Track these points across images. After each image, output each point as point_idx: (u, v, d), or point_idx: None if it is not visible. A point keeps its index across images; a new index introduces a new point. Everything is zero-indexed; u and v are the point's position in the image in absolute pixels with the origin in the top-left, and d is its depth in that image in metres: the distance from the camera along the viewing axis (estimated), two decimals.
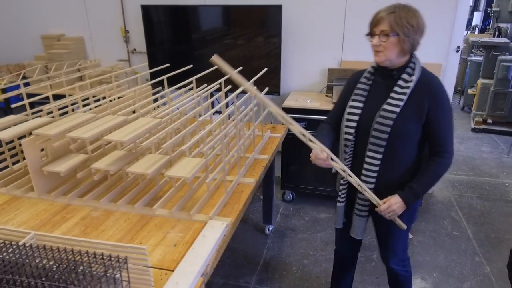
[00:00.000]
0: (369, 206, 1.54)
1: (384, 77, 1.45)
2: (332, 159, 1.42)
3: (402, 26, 1.31)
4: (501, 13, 4.44)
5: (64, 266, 0.75)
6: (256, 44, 2.85)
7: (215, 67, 2.24)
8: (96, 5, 3.30)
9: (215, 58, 1.41)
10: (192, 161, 1.47)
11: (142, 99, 2.01)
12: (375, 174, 1.47)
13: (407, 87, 1.37)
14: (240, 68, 2.17)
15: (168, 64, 2.29)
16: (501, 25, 5.13)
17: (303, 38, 2.97)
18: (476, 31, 6.55)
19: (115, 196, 1.56)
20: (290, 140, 2.83)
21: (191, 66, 2.23)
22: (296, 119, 2.79)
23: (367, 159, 1.46)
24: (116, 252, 1.00)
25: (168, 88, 1.99)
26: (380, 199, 1.47)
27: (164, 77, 2.04)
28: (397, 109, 1.37)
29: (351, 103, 1.49)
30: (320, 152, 1.42)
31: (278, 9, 2.66)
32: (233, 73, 1.37)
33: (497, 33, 5.16)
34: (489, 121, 4.62)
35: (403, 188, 1.47)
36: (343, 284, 1.93)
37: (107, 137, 1.43)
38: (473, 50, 5.34)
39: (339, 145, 1.57)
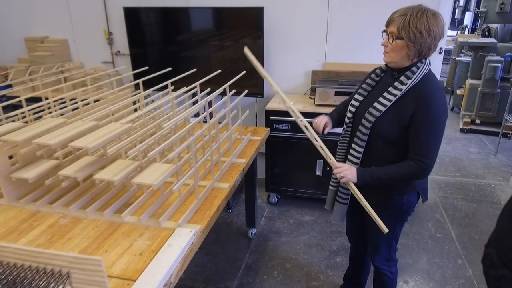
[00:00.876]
0: (351, 196, 1.60)
1: (388, 76, 1.49)
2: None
3: (409, 31, 1.30)
4: (488, 14, 4.45)
5: (4, 282, 0.73)
6: (239, 46, 2.83)
7: (194, 69, 2.24)
8: (79, 7, 3.27)
9: (246, 50, 1.67)
10: (161, 167, 1.45)
11: (120, 102, 1.99)
12: (355, 165, 1.53)
13: (400, 90, 1.37)
14: (219, 71, 2.15)
15: (147, 67, 2.27)
16: (491, 25, 5.14)
17: (287, 40, 2.95)
18: (467, 32, 6.56)
19: (84, 203, 1.54)
20: (275, 142, 2.83)
21: (169, 69, 2.20)
22: (279, 122, 2.81)
23: (351, 150, 1.54)
24: (73, 263, 0.98)
25: (146, 90, 1.96)
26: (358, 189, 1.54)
27: (140, 80, 2.01)
28: (383, 109, 1.40)
29: (355, 94, 1.58)
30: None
31: (260, 11, 2.64)
32: (260, 69, 1.67)
33: (486, 33, 5.17)
34: (477, 121, 4.63)
35: (379, 189, 1.52)
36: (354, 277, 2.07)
37: (73, 144, 1.41)
38: (462, 51, 5.35)
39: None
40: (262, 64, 2.80)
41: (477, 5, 6.51)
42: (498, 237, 1.14)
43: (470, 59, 4.79)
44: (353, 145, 1.51)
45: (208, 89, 2.15)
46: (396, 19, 1.33)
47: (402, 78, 1.39)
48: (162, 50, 3.01)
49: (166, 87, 2.02)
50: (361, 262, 2.00)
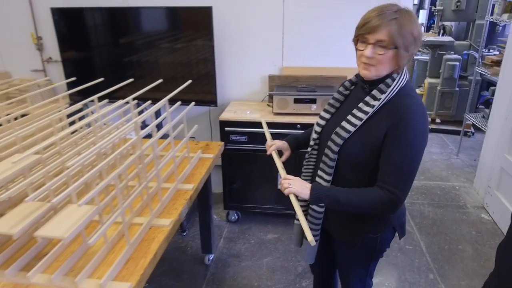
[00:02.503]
0: (322, 230, 1.36)
1: (359, 90, 1.26)
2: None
3: (405, 38, 1.06)
4: (445, 12, 4.43)
5: None
6: (187, 50, 2.54)
7: (131, 79, 1.92)
8: (1, 9, 2.83)
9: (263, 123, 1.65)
10: (78, 211, 1.15)
11: (39, 121, 1.64)
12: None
13: (372, 106, 1.14)
14: (160, 80, 1.86)
15: (74, 78, 1.93)
16: (445, 23, 5.16)
17: (241, 43, 2.70)
18: (423, 30, 6.61)
19: None
20: (232, 155, 2.56)
21: (102, 79, 1.88)
22: (235, 133, 2.55)
23: (317, 178, 1.28)
24: None
25: (80, 102, 1.63)
26: (328, 225, 1.33)
27: (65, 93, 1.67)
28: (352, 129, 1.16)
29: (321, 112, 1.35)
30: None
31: (208, 10, 2.36)
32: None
33: (441, 31, 5.19)
34: (438, 120, 4.61)
35: (351, 227, 1.29)
36: None
37: None
38: (420, 49, 5.33)
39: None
40: (213, 69, 2.53)
41: (432, 3, 6.58)
42: (502, 280, 0.97)
43: (428, 58, 4.77)
44: (320, 172, 1.26)
45: (149, 102, 1.85)
46: (385, 24, 1.06)
47: (375, 92, 1.15)
48: (100, 55, 2.66)
49: (106, 98, 1.70)
50: None
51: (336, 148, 1.19)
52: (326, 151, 1.22)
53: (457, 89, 4.34)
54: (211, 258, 2.40)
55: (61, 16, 2.56)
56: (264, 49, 2.69)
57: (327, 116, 1.32)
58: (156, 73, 2.62)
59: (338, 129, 1.19)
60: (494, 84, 3.43)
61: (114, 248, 1.27)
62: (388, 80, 1.14)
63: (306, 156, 1.38)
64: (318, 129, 1.32)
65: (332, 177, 1.24)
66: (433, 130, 4.54)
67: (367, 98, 1.16)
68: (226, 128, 2.50)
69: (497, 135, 2.88)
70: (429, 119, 4.59)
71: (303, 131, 1.60)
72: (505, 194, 2.74)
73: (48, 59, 2.89)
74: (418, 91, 4.92)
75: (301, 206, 1.36)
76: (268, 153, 1.47)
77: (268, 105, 2.68)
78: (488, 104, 4.13)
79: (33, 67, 2.92)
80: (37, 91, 1.76)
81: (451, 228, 2.74)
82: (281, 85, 2.68)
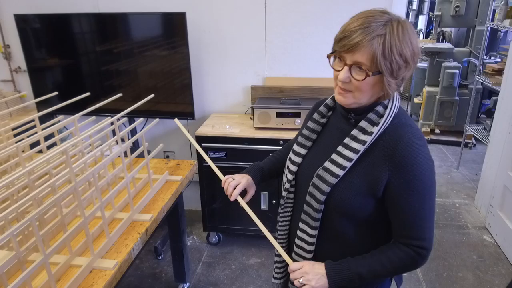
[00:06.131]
0: None
1: (339, 118, 1.00)
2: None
3: (390, 61, 0.82)
4: (444, 17, 4.23)
5: None
6: (162, 58, 2.34)
7: (87, 93, 1.72)
8: None
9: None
10: None
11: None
12: (308, 256, 1.02)
13: (362, 142, 0.90)
14: (120, 94, 1.66)
15: (25, 92, 1.73)
16: (445, 29, 4.97)
17: (221, 51, 2.50)
18: (421, 36, 6.43)
19: None
20: (210, 173, 2.36)
21: (56, 93, 1.68)
22: (213, 149, 2.34)
23: (298, 232, 1.02)
24: None
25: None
26: None
27: (19, 106, 1.47)
28: (341, 172, 0.91)
29: (294, 146, 1.08)
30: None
31: (181, 17, 2.17)
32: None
33: (440, 38, 4.99)
34: (437, 131, 4.40)
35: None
36: None
37: None
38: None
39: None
40: (189, 79, 2.33)
41: (431, 9, 6.39)
42: None
43: (426, 65, 4.57)
44: (302, 225, 1.00)
45: (109, 118, 1.65)
46: (367, 42, 0.80)
47: (364, 124, 0.91)
48: (68, 64, 2.46)
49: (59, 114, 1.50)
50: None
51: (322, 197, 0.93)
52: (309, 199, 0.97)
53: (457, 98, 4.13)
54: (186, 287, 2.18)
55: (26, 23, 2.37)
56: (246, 58, 2.49)
57: (303, 151, 1.05)
58: (130, 83, 2.43)
59: (321, 172, 0.94)
60: (496, 92, 3.22)
61: None
62: (379, 108, 0.90)
63: (282, 202, 1.10)
64: (293, 168, 1.05)
65: (318, 232, 0.99)
66: (432, 141, 4.33)
67: (355, 132, 0.92)
68: (204, 144, 2.30)
69: (499, 151, 2.66)
70: (428, 130, 4.38)
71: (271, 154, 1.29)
72: (509, 215, 2.51)
73: (17, 69, 2.70)
74: (416, 99, 4.71)
75: (282, 246, 1.14)
76: (232, 199, 1.12)
77: (251, 118, 2.48)
78: (490, 113, 3.92)
79: (1, 77, 2.73)
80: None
81: (450, 252, 2.51)
82: (264, 96, 2.48)
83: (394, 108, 0.91)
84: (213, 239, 2.62)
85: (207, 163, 1.22)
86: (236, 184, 1.12)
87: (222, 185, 1.16)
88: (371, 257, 0.94)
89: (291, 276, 0.98)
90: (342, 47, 0.85)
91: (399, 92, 0.96)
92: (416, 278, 2.28)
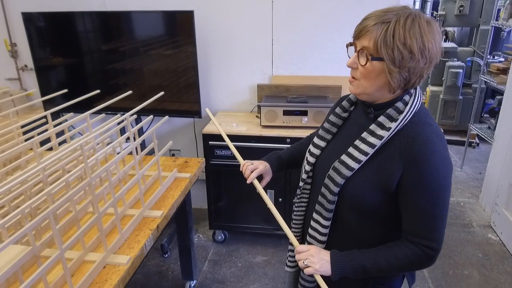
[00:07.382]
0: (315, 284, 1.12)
1: (360, 113, 1.03)
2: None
3: (392, 48, 0.83)
4: (447, 17, 4.23)
5: None
6: (170, 57, 2.34)
7: (97, 91, 1.73)
8: None
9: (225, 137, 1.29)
10: (11, 251, 0.95)
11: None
12: (320, 246, 1.03)
13: (380, 137, 0.90)
14: (130, 92, 1.67)
15: (33, 90, 1.74)
16: (448, 29, 4.97)
17: (228, 50, 2.51)
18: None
19: None
20: (217, 171, 2.37)
21: (65, 90, 1.69)
22: (220, 147, 2.35)
23: (312, 222, 1.05)
24: None
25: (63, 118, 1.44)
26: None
27: (26, 104, 1.48)
28: (356, 166, 0.93)
29: (314, 139, 1.11)
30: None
31: (189, 15, 2.18)
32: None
33: (444, 37, 4.99)
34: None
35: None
36: None
37: None
38: None
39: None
40: (197, 77, 2.33)
41: (434, 8, 6.39)
42: None
43: None
44: (315, 215, 1.03)
45: (118, 115, 1.66)
46: (371, 29, 0.85)
47: (383, 119, 0.92)
48: (76, 62, 2.47)
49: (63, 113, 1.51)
50: None
51: (335, 189, 0.95)
52: (323, 190, 0.99)
53: (460, 97, 4.14)
54: (193, 285, 2.19)
55: (34, 21, 2.38)
56: (253, 56, 2.50)
57: (322, 144, 1.08)
58: (136, 82, 2.43)
59: (337, 164, 0.96)
60: (500, 92, 3.23)
61: None
62: (399, 104, 0.91)
63: (298, 192, 1.14)
64: (311, 159, 1.08)
65: (331, 222, 1.01)
66: None
67: (373, 127, 0.93)
68: (210, 142, 2.31)
69: (504, 149, 2.67)
70: None
71: (289, 145, 1.36)
72: None
73: (24, 67, 2.70)
74: None
75: (296, 235, 1.17)
76: (248, 181, 1.17)
77: (257, 117, 2.48)
78: (493, 113, 3.93)
79: (8, 76, 2.74)
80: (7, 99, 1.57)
81: (455, 250, 2.52)
82: (271, 95, 2.49)
83: (415, 105, 0.91)
84: (219, 237, 2.62)
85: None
86: (253, 168, 1.18)
87: (240, 169, 1.21)
88: (377, 252, 0.96)
89: (297, 257, 1.01)
90: (353, 33, 0.91)
91: (420, 89, 0.97)
92: (422, 276, 2.28)
